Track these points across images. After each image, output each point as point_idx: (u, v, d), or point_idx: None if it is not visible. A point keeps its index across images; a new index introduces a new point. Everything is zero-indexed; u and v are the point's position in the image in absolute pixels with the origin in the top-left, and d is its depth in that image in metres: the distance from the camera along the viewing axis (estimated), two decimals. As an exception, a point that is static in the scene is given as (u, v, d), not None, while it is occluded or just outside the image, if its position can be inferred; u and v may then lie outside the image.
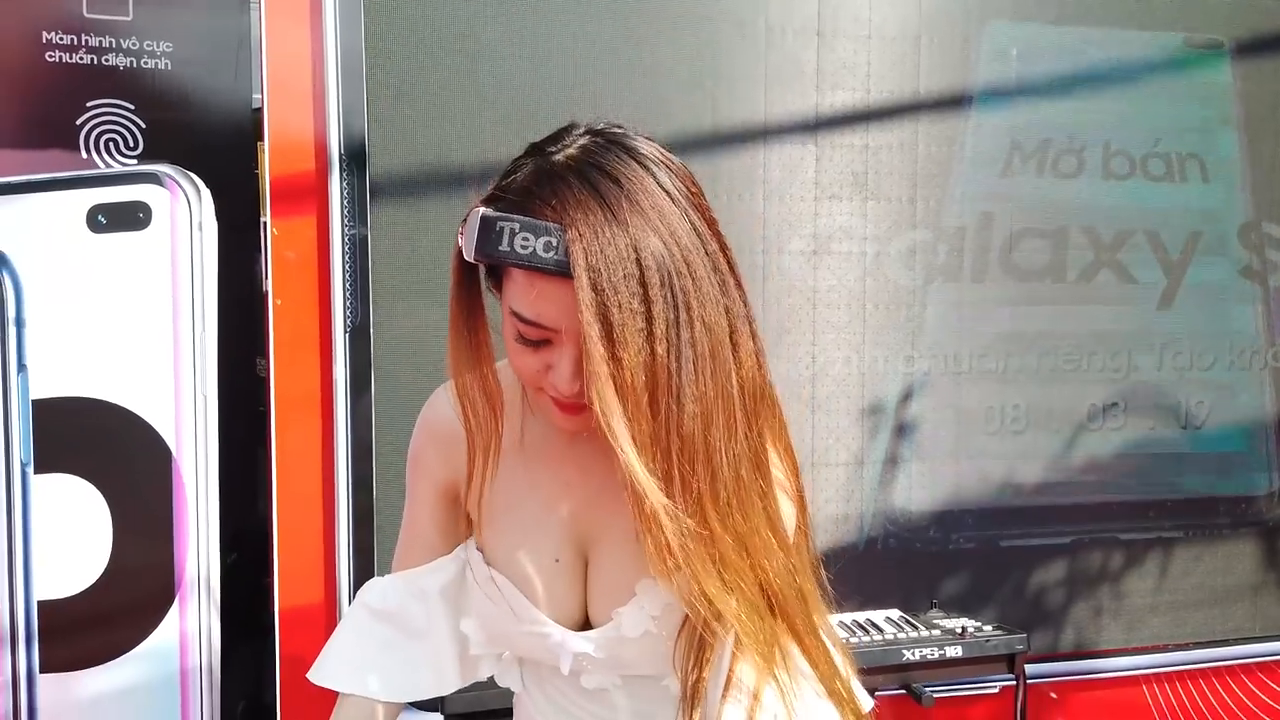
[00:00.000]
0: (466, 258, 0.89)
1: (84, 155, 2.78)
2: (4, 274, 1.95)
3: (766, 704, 0.90)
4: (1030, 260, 2.60)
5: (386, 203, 2.20)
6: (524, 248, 0.83)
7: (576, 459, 1.01)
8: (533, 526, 1.03)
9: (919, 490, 2.55)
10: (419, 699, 1.14)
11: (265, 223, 2.38)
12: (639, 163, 0.86)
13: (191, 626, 1.99)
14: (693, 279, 0.84)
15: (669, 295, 0.82)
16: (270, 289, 2.20)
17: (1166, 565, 2.72)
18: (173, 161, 2.82)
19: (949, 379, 2.57)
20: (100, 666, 1.97)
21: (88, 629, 1.96)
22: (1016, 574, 2.61)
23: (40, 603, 1.95)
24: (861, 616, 2.20)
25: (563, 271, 0.82)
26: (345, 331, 2.18)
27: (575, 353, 0.85)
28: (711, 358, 0.84)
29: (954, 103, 2.53)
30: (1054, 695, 2.74)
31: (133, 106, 2.74)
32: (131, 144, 2.81)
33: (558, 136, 0.91)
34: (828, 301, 2.48)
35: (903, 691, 2.01)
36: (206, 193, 2.02)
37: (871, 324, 2.51)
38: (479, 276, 0.94)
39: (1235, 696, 2.80)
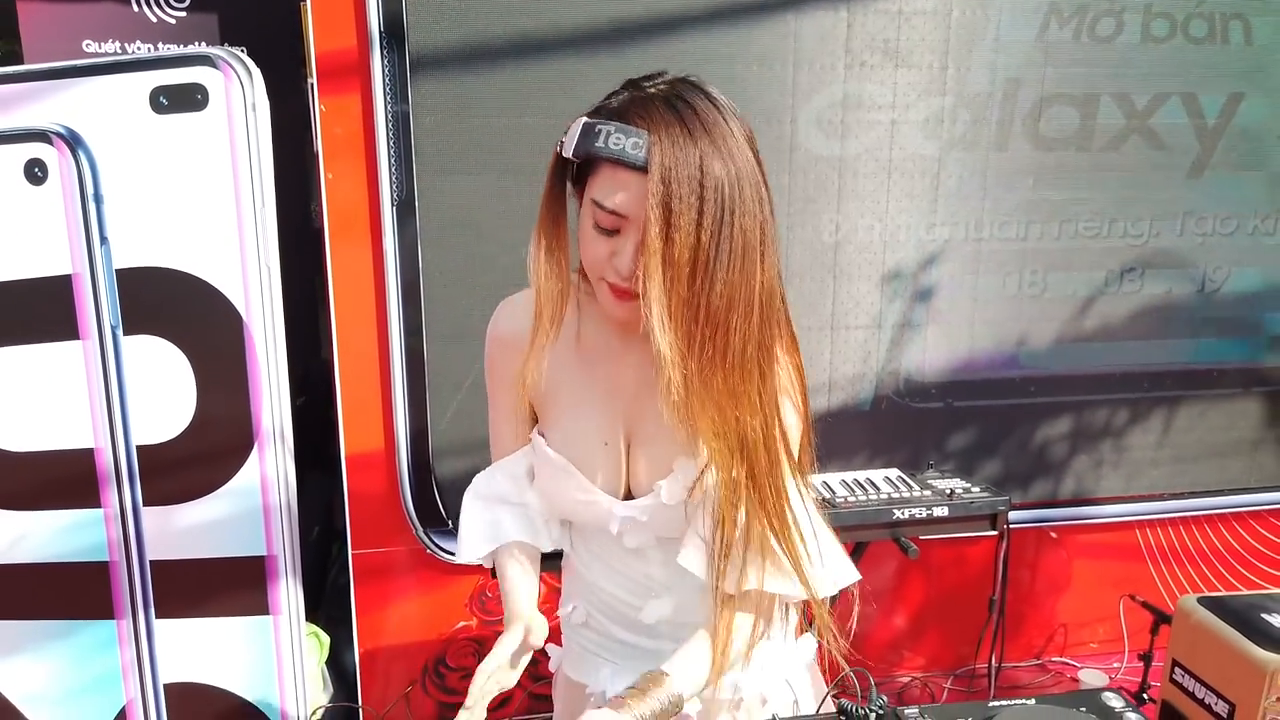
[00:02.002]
0: (566, 155, 1.10)
1: (135, 9, 2.88)
2: (80, 153, 2.10)
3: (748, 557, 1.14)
4: (1057, 127, 2.62)
5: (426, 80, 2.30)
6: (615, 145, 1.05)
7: (624, 359, 1.22)
8: (586, 416, 1.24)
9: (933, 353, 2.69)
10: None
11: (312, 84, 2.49)
12: (716, 106, 1.07)
13: (270, 470, 2.25)
14: (741, 197, 1.04)
15: (720, 200, 1.03)
16: (321, 162, 2.35)
17: (1170, 422, 2.87)
18: (218, 10, 2.91)
19: (970, 245, 2.66)
20: (193, 501, 2.26)
21: (181, 470, 2.24)
22: (1023, 431, 2.78)
23: (139, 447, 2.22)
24: (862, 476, 2.40)
25: (641, 167, 1.03)
26: (393, 205, 2.33)
27: (638, 240, 1.06)
28: (743, 256, 1.05)
29: (991, -35, 2.50)
30: (1054, 535, 2.97)
31: (178, -45, 2.82)
32: (180, -6, 2.89)
33: (650, 76, 1.11)
34: (853, 170, 2.56)
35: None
36: (258, 73, 2.12)
37: (895, 192, 2.59)
38: (567, 181, 1.15)
39: (1225, 540, 3.00)
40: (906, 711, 1.11)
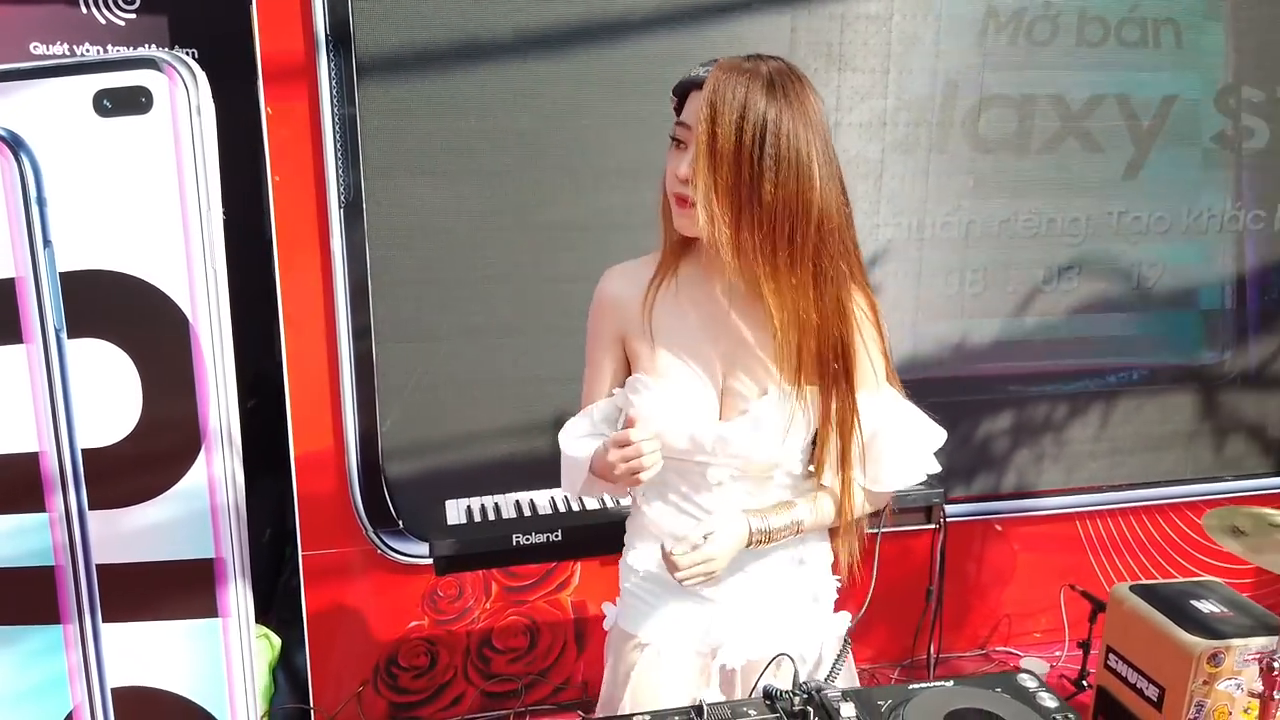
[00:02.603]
0: (672, 104, 1.34)
1: (84, 10, 2.86)
2: (23, 156, 2.09)
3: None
4: (996, 129, 2.68)
5: (373, 83, 2.31)
6: (693, 74, 1.30)
7: (716, 303, 1.39)
8: (688, 353, 1.40)
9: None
10: None
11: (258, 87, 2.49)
12: (797, 75, 1.27)
13: (218, 471, 2.25)
14: (792, 120, 1.22)
15: (762, 112, 1.22)
16: (268, 165, 2.35)
17: (1108, 416, 2.94)
18: (168, 13, 2.90)
19: (912, 245, 2.71)
20: (140, 505, 2.25)
21: (127, 473, 2.23)
22: (965, 426, 2.84)
23: (84, 450, 2.21)
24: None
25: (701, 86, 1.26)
26: (340, 207, 2.34)
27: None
28: (794, 168, 1.23)
29: (931, -30, 2.56)
30: (999, 527, 3.04)
31: (126, -45, 2.81)
32: (128, -5, 2.88)
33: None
34: (798, 171, 2.60)
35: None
36: (203, 76, 2.11)
37: (840, 193, 2.63)
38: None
39: (1162, 530, 3.09)
40: (829, 694, 1.15)
